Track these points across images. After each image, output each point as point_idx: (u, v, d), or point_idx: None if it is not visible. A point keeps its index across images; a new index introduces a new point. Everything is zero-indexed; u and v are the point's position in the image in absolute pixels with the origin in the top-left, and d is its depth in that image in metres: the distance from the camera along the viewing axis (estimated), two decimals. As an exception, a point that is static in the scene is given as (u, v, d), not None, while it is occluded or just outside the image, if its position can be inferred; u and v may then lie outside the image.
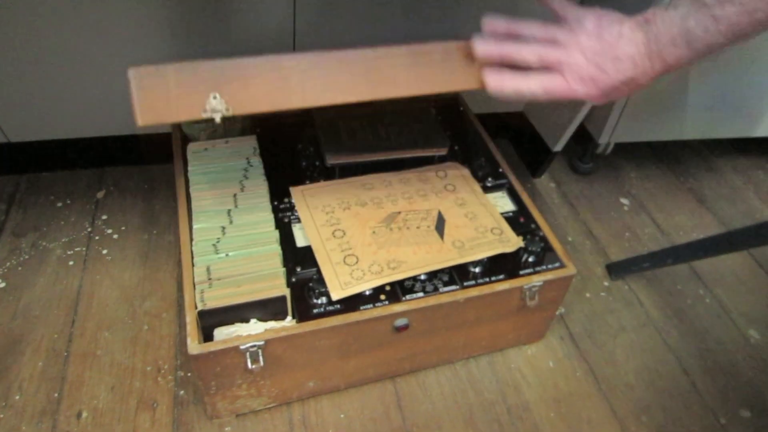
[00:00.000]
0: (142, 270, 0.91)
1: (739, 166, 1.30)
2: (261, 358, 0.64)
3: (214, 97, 0.52)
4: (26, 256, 0.91)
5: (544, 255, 0.77)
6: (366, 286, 0.68)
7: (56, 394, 0.75)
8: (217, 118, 0.52)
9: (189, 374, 0.79)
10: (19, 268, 0.89)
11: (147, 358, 0.80)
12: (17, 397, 0.74)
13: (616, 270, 1.00)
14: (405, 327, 0.70)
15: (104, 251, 0.93)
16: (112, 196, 1.02)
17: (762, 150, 1.34)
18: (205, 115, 0.52)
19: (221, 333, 0.64)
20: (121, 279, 0.89)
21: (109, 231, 0.96)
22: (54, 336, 0.81)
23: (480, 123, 0.98)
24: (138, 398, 0.76)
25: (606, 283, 1.00)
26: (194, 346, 0.62)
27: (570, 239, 1.07)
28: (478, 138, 0.96)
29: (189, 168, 0.80)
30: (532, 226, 0.81)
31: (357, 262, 0.71)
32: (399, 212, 0.78)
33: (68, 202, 1.00)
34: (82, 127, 0.98)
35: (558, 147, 1.10)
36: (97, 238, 0.95)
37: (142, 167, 1.07)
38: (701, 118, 1.10)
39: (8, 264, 0.90)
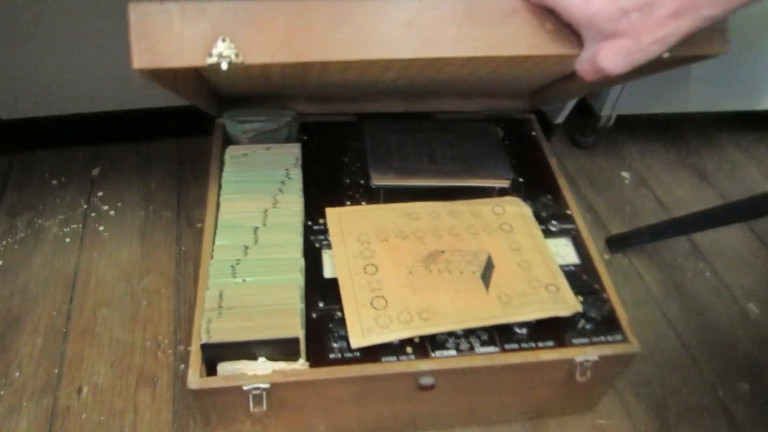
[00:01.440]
0: (140, 247, 0.90)
1: (742, 141, 1.29)
2: (264, 402, 0.59)
3: (223, 40, 0.46)
4: (22, 235, 0.90)
5: (605, 324, 0.66)
6: (390, 337, 0.61)
7: (56, 371, 0.75)
8: (224, 65, 0.46)
9: (189, 348, 0.78)
10: (16, 247, 0.89)
11: (146, 334, 0.80)
12: (17, 375, 0.74)
13: (617, 244, 1.00)
14: (431, 386, 0.63)
15: (101, 228, 0.92)
16: (107, 173, 1.01)
17: (765, 125, 1.33)
18: (210, 61, 0.46)
19: (225, 368, 0.59)
20: (118, 256, 0.89)
21: (105, 208, 0.95)
22: (52, 314, 0.81)
23: (553, 153, 0.87)
24: (138, 374, 0.76)
25: (606, 257, 0.99)
26: (195, 379, 0.57)
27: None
28: (547, 170, 0.83)
29: (224, 173, 0.74)
30: (596, 286, 0.70)
31: (385, 307, 0.63)
32: (443, 251, 0.69)
33: (63, 179, 0.99)
34: (75, 104, 0.97)
35: (559, 119, 1.08)
36: (93, 215, 0.94)
37: (138, 143, 1.06)
38: (704, 90, 1.08)
39: (4, 243, 0.89)
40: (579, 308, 0.66)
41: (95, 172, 1.01)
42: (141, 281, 0.86)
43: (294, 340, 0.58)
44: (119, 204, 0.96)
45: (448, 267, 0.67)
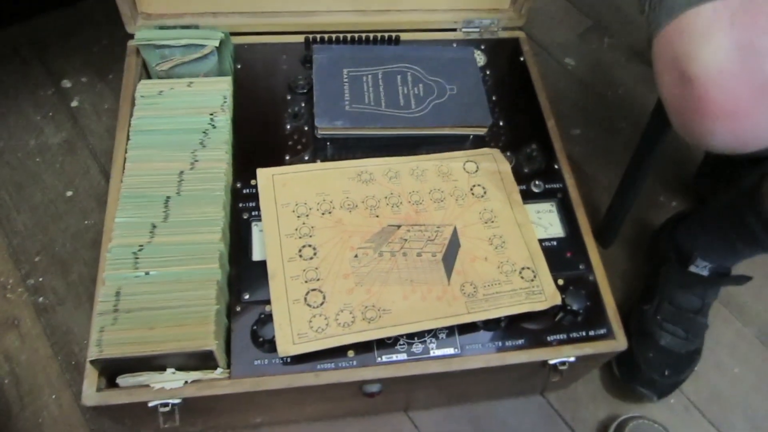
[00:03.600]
0: (-71, 196, 0.76)
1: None
2: (177, 418, 0.50)
3: None
4: None
5: (588, 315, 0.56)
6: (326, 345, 0.50)
7: None
8: None
9: (41, 279, 0.71)
10: None
11: (-17, 281, 0.71)
12: None
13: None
14: (377, 393, 0.54)
15: None
16: None
17: None
18: None
19: (127, 380, 0.49)
20: None
21: None
22: None
23: (544, 86, 0.69)
24: (-6, 323, 0.68)
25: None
26: (90, 393, 0.48)
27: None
28: (535, 110, 0.67)
29: (132, 120, 0.58)
30: (581, 267, 0.58)
31: (323, 304, 0.52)
32: (398, 226, 0.57)
33: None
34: None
35: None
36: None
37: None
38: None
39: None
40: (558, 301, 0.56)
41: None
42: (-51, 231, 0.74)
43: (207, 354, 0.48)
44: None
45: (403, 248, 0.56)
